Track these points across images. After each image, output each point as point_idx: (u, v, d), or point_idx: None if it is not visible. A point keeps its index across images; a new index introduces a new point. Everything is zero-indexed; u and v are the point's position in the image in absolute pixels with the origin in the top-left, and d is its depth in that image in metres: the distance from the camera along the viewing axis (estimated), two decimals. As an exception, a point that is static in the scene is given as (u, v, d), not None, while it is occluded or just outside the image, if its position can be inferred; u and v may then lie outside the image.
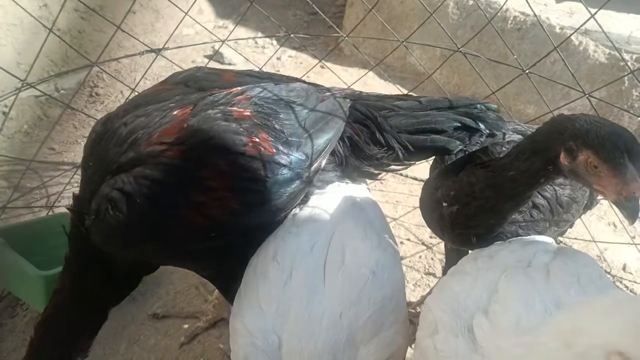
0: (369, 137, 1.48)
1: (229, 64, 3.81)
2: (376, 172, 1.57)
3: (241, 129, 1.26)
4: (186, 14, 2.09)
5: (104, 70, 3.34)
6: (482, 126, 1.49)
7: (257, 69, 2.65)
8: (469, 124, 1.49)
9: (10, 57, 2.94)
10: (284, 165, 1.30)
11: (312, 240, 1.33)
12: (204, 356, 1.88)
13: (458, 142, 1.49)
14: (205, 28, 2.83)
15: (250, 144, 1.26)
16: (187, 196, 1.24)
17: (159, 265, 1.62)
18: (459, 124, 1.49)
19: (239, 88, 1.38)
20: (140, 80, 2.74)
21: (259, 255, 1.37)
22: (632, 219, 0.96)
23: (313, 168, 1.37)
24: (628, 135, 0.94)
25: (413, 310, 1.96)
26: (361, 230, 1.38)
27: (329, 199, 1.50)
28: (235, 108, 1.30)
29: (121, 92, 3.41)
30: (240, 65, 3.80)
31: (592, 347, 0.80)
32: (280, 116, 1.34)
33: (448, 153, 1.51)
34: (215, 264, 1.41)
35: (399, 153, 1.48)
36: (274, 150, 1.29)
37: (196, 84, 1.47)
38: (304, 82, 1.60)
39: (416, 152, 1.51)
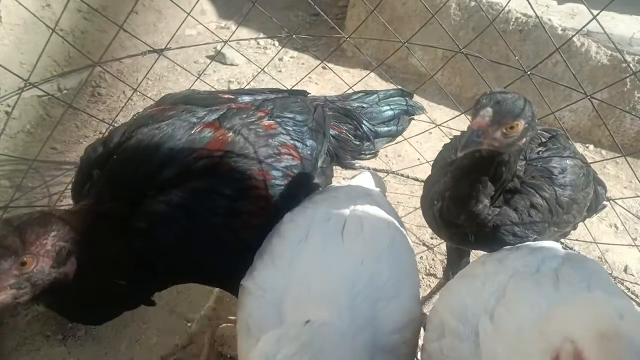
0: (353, 133, 1.74)
1: (231, 64, 3.82)
2: (356, 162, 1.84)
3: (274, 141, 1.45)
4: (188, 14, 2.09)
5: (107, 70, 3.35)
6: (415, 111, 1.92)
7: (260, 70, 2.66)
8: (410, 111, 1.89)
9: (13, 57, 2.95)
10: (305, 167, 1.49)
11: (329, 213, 1.37)
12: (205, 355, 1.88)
13: (401, 128, 1.87)
14: (208, 28, 2.83)
15: (283, 152, 1.45)
16: (240, 206, 1.34)
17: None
18: (402, 111, 1.87)
19: (250, 104, 1.51)
20: (142, 80, 2.75)
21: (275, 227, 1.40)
22: (462, 145, 1.21)
23: (319, 164, 1.59)
24: (505, 95, 1.21)
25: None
26: (376, 210, 1.45)
27: (340, 188, 1.60)
28: (263, 122, 1.46)
29: (123, 92, 3.41)
30: (242, 65, 3.80)
31: (556, 332, 0.86)
32: (297, 126, 1.53)
33: (395, 136, 1.88)
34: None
35: (372, 141, 1.79)
36: (300, 155, 1.49)
37: (198, 102, 1.50)
38: (288, 90, 1.78)
39: (379, 139, 1.83)
